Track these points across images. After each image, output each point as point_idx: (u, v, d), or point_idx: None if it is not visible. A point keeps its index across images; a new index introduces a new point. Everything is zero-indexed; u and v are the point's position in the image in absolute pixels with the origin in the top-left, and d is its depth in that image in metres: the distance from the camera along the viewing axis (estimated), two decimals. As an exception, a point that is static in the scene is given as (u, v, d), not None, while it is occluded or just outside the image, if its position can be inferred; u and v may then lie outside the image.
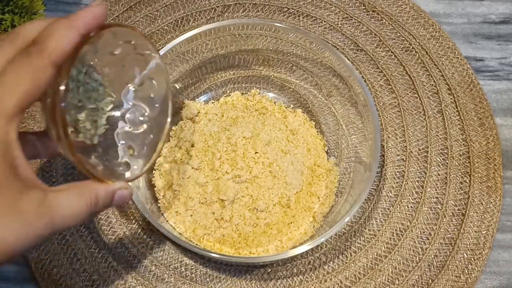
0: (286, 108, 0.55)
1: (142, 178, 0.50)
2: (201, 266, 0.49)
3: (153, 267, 0.49)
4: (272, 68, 0.56)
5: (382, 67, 0.57)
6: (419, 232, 0.50)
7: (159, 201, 0.50)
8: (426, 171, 0.52)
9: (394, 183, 0.52)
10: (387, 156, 0.53)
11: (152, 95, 0.41)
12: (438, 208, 0.51)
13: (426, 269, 0.49)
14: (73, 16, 0.32)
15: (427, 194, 0.52)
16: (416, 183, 0.52)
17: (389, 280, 0.49)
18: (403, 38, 0.58)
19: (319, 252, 0.49)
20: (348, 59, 0.56)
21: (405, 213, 0.51)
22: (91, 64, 0.36)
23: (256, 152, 0.50)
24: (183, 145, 0.51)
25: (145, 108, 0.41)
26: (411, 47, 0.58)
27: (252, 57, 0.55)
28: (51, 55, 0.31)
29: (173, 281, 0.48)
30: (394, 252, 0.50)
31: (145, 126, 0.41)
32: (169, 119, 0.41)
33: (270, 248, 0.48)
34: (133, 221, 0.50)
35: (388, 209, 0.51)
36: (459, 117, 0.55)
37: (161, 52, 0.50)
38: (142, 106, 0.41)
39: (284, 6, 0.59)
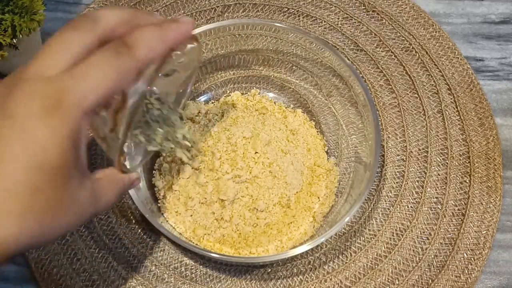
0: (286, 108, 0.55)
1: (142, 178, 0.50)
2: (201, 266, 0.49)
3: (153, 267, 0.49)
4: (272, 68, 0.56)
5: (382, 67, 0.57)
6: (419, 232, 0.50)
7: (159, 201, 0.50)
8: (426, 171, 0.52)
9: (394, 183, 0.52)
10: (387, 156, 0.53)
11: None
12: (438, 208, 0.51)
13: (426, 269, 0.49)
14: (165, 28, 0.32)
15: (427, 194, 0.52)
16: (416, 183, 0.52)
17: (389, 280, 0.49)
18: (403, 38, 0.58)
19: (319, 252, 0.49)
20: (348, 59, 0.56)
21: (405, 213, 0.51)
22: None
23: (256, 152, 0.50)
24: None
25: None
26: (411, 47, 0.58)
27: (252, 57, 0.55)
28: (139, 62, 0.31)
29: (173, 281, 0.48)
30: (394, 252, 0.50)
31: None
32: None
33: (270, 248, 0.48)
34: (133, 221, 0.50)
35: (388, 209, 0.51)
36: (459, 117, 0.55)
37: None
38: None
39: (284, 6, 0.59)
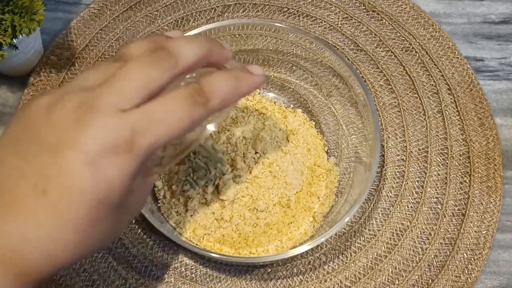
0: (286, 108, 0.55)
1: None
2: (201, 266, 0.49)
3: (153, 267, 0.49)
4: (272, 68, 0.56)
5: (382, 67, 0.57)
6: (419, 232, 0.50)
7: (159, 201, 0.50)
8: (426, 171, 0.52)
9: (394, 183, 0.52)
10: (387, 156, 0.53)
11: None
12: (438, 208, 0.51)
13: (426, 269, 0.49)
14: (241, 80, 0.33)
15: (427, 194, 0.52)
16: (416, 183, 0.52)
17: (389, 280, 0.49)
18: (403, 38, 0.58)
19: (319, 252, 0.49)
20: (348, 59, 0.56)
21: (405, 213, 0.51)
22: None
23: (256, 152, 0.50)
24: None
25: None
26: (411, 47, 0.58)
27: (252, 57, 0.55)
28: (212, 112, 0.31)
29: (173, 281, 0.48)
30: (394, 252, 0.50)
31: None
32: None
33: (270, 248, 0.48)
34: (133, 221, 0.50)
35: (388, 209, 0.51)
36: (459, 117, 0.55)
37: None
38: None
39: (284, 6, 0.59)
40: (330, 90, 0.54)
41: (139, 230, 0.50)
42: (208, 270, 0.49)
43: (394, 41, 0.58)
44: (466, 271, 0.49)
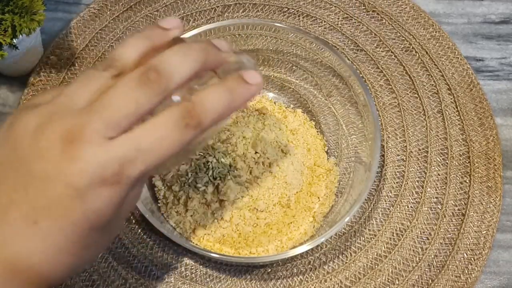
0: (286, 108, 0.55)
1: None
2: (201, 266, 0.49)
3: (153, 267, 0.49)
4: (272, 68, 0.56)
5: (382, 67, 0.57)
6: (419, 232, 0.50)
7: (159, 201, 0.50)
8: (426, 171, 0.52)
9: (394, 183, 0.52)
10: (387, 156, 0.53)
11: None
12: (438, 208, 0.51)
13: (426, 269, 0.49)
14: (236, 93, 0.31)
15: (427, 194, 0.52)
16: (416, 183, 0.52)
17: (389, 280, 0.49)
18: (403, 38, 0.58)
19: (319, 252, 0.49)
20: (348, 59, 0.56)
21: (405, 213, 0.51)
22: None
23: (256, 152, 0.50)
24: (183, 145, 0.51)
25: None
26: (411, 47, 0.58)
27: (252, 57, 0.55)
28: (204, 131, 0.30)
29: (173, 281, 0.48)
30: (394, 252, 0.50)
31: None
32: None
33: (270, 248, 0.48)
34: (133, 221, 0.50)
35: (388, 209, 0.51)
36: (459, 117, 0.55)
37: (161, 52, 0.50)
38: None
39: (284, 6, 0.59)
40: (330, 90, 0.54)
41: (139, 230, 0.50)
42: (208, 270, 0.49)
43: (394, 41, 0.58)
44: (466, 271, 0.49)
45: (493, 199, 0.51)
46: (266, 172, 0.49)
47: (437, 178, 0.52)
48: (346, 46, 0.58)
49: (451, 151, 0.53)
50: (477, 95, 0.56)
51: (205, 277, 0.48)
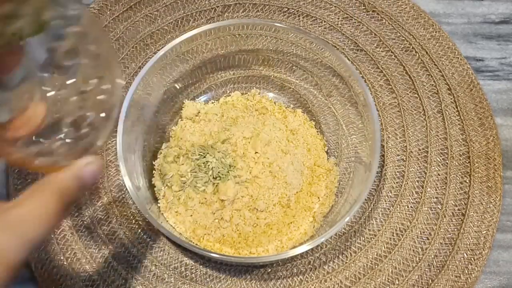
0: (286, 108, 0.55)
1: (142, 178, 0.50)
2: (201, 266, 0.49)
3: (153, 267, 0.49)
4: (272, 68, 0.56)
5: (382, 67, 0.57)
6: (419, 232, 0.50)
7: (159, 201, 0.50)
8: (426, 171, 0.52)
9: (394, 183, 0.52)
10: (387, 156, 0.53)
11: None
12: (438, 208, 0.51)
13: (426, 269, 0.49)
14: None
15: (427, 194, 0.52)
16: (416, 183, 0.52)
17: (389, 280, 0.49)
18: (403, 38, 0.58)
19: (319, 252, 0.49)
20: (348, 59, 0.56)
21: (405, 213, 0.51)
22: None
23: (256, 152, 0.50)
24: (183, 145, 0.51)
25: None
26: (411, 47, 0.58)
27: (252, 57, 0.55)
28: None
29: (173, 281, 0.48)
30: (394, 252, 0.50)
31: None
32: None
33: (270, 248, 0.48)
34: (133, 221, 0.50)
35: (388, 209, 0.51)
36: (459, 117, 0.55)
37: (161, 52, 0.50)
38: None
39: (284, 6, 0.59)
40: (330, 90, 0.54)
41: (139, 230, 0.50)
42: (208, 270, 0.49)
43: (394, 41, 0.58)
44: (466, 271, 0.49)
45: (493, 199, 0.51)
46: (266, 172, 0.49)
47: (437, 178, 0.52)
48: (346, 46, 0.58)
49: (451, 151, 0.53)
50: (477, 95, 0.56)
51: (205, 277, 0.48)
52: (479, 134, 0.54)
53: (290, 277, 0.49)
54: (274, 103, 0.55)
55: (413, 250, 0.50)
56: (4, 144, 0.31)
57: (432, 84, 0.56)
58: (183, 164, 0.49)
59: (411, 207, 0.51)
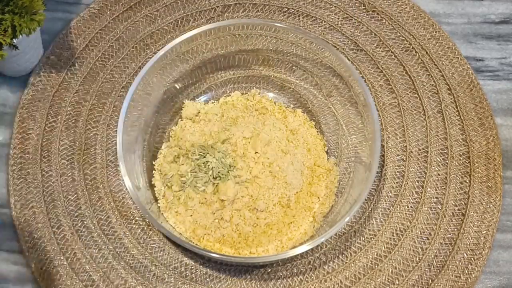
0: (286, 108, 0.55)
1: (142, 178, 0.50)
2: (201, 266, 0.49)
3: (153, 267, 0.49)
4: (272, 68, 0.56)
5: (382, 67, 0.57)
6: (419, 232, 0.50)
7: (159, 201, 0.50)
8: (426, 171, 0.52)
9: (394, 183, 0.52)
10: (387, 156, 0.53)
11: None
12: (438, 208, 0.51)
13: (426, 269, 0.49)
14: None
15: (427, 194, 0.52)
16: (416, 183, 0.52)
17: (389, 280, 0.49)
18: (403, 38, 0.58)
19: (319, 252, 0.49)
20: (348, 59, 0.56)
21: (405, 213, 0.51)
22: None
23: (256, 152, 0.50)
24: (183, 145, 0.51)
25: None
26: (411, 47, 0.58)
27: (252, 57, 0.55)
28: None
29: (173, 281, 0.48)
30: (394, 252, 0.50)
31: None
32: None
33: (270, 248, 0.48)
34: (133, 221, 0.50)
35: (388, 209, 0.51)
36: (459, 117, 0.55)
37: (161, 52, 0.50)
38: None
39: (284, 6, 0.59)
40: (330, 90, 0.54)
41: (139, 230, 0.50)
42: (208, 270, 0.49)
43: (394, 41, 0.58)
44: (466, 271, 0.49)
45: (493, 199, 0.51)
46: (266, 172, 0.49)
47: (437, 178, 0.52)
48: (346, 46, 0.58)
49: (451, 151, 0.53)
50: (477, 95, 0.56)
51: (205, 277, 0.48)
52: (479, 134, 0.54)
53: (290, 277, 0.49)
54: (274, 103, 0.55)
55: (413, 250, 0.50)
56: None
57: (432, 84, 0.56)
58: (183, 164, 0.49)
59: (411, 207, 0.51)
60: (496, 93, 0.57)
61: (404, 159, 0.53)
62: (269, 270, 0.49)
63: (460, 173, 0.52)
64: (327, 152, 0.53)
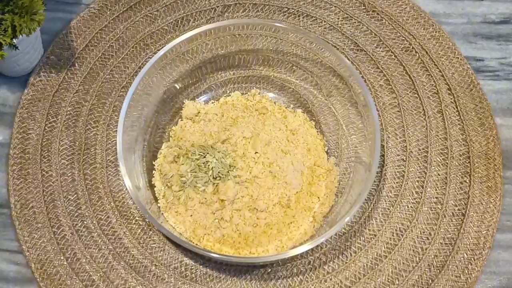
0: (286, 108, 0.55)
1: (142, 178, 0.50)
2: (201, 266, 0.49)
3: (153, 267, 0.49)
4: (272, 68, 0.56)
5: (382, 67, 0.57)
6: (419, 232, 0.50)
7: (159, 201, 0.50)
8: (426, 171, 0.52)
9: (394, 183, 0.52)
10: (387, 156, 0.53)
11: None
12: (438, 208, 0.51)
13: (426, 269, 0.49)
14: None
15: (427, 194, 0.52)
16: (416, 183, 0.52)
17: (389, 280, 0.49)
18: (403, 38, 0.58)
19: (319, 252, 0.49)
20: (348, 59, 0.56)
21: (405, 213, 0.51)
22: None
23: (256, 152, 0.50)
24: (183, 145, 0.51)
25: None
26: (411, 47, 0.58)
27: (252, 57, 0.55)
28: None
29: (173, 281, 0.48)
30: (394, 252, 0.50)
31: None
32: None
33: (270, 248, 0.48)
34: (133, 221, 0.50)
35: (388, 209, 0.51)
36: (459, 117, 0.55)
37: (161, 52, 0.50)
38: None
39: (284, 6, 0.59)
40: (330, 90, 0.54)
41: (139, 230, 0.50)
42: (208, 270, 0.49)
43: (394, 41, 0.58)
44: (466, 271, 0.49)
45: (493, 199, 0.51)
46: (266, 172, 0.49)
47: (437, 178, 0.52)
48: (346, 46, 0.58)
49: (451, 151, 0.53)
50: (477, 95, 0.56)
51: (205, 277, 0.48)
52: (479, 134, 0.54)
53: (290, 277, 0.49)
54: (274, 103, 0.55)
55: (413, 250, 0.50)
56: None
57: (432, 84, 0.56)
58: (183, 164, 0.49)
59: (411, 207, 0.51)
60: (496, 93, 0.57)
61: (404, 159, 0.53)
62: (269, 270, 0.49)
63: (460, 173, 0.52)
64: (327, 152, 0.53)
